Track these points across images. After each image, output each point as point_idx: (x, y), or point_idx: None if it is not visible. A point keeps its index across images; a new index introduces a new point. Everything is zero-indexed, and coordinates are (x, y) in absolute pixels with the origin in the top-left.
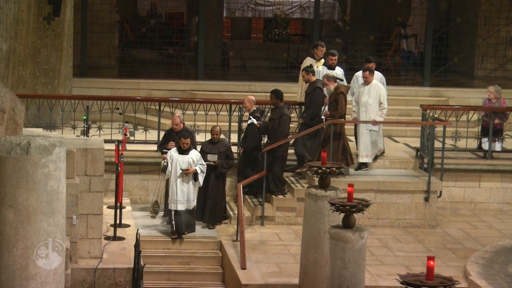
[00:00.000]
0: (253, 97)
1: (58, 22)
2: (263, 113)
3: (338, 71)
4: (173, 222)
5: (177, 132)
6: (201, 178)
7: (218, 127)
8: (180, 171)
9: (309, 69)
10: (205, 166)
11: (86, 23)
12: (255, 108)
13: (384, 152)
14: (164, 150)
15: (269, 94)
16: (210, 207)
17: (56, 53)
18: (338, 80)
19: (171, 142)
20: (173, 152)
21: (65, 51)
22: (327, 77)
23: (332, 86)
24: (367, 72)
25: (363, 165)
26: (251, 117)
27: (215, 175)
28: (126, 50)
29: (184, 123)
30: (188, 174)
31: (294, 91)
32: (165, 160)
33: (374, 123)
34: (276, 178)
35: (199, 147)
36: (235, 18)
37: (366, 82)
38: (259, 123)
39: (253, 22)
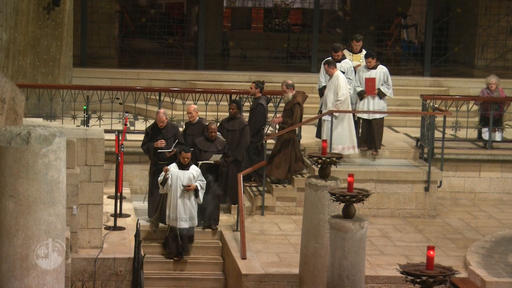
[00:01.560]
0: (195, 106)
1: (58, 12)
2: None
3: (345, 64)
4: (175, 242)
5: (161, 128)
6: (201, 195)
7: (214, 124)
8: (182, 187)
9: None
10: (205, 182)
11: (86, 13)
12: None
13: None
14: (160, 151)
15: (269, 84)
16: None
17: (56, 43)
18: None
19: (161, 140)
20: (173, 168)
21: (65, 41)
22: (286, 84)
23: (290, 94)
24: (326, 65)
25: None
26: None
27: (216, 175)
28: (126, 40)
29: (168, 119)
30: (190, 191)
31: (294, 81)
32: (168, 173)
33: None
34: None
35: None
36: (235, 8)
37: (328, 74)
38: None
39: (253, 12)
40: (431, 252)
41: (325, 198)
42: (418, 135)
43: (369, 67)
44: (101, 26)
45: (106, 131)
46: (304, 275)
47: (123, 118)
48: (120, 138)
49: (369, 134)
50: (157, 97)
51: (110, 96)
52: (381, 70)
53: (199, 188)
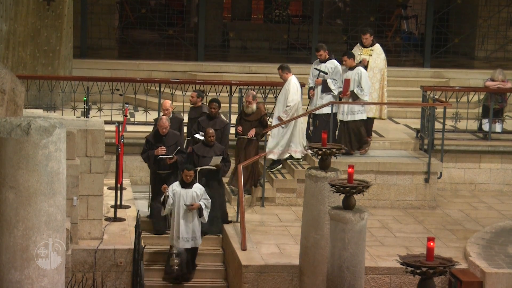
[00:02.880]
0: (169, 102)
1: (58, 3)
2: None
3: (329, 65)
4: (177, 265)
5: (163, 135)
6: (206, 214)
7: (212, 129)
8: (185, 207)
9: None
10: (209, 201)
11: (86, 4)
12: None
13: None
14: (160, 157)
15: (269, 75)
16: (217, 217)
17: (56, 34)
18: (321, 74)
19: (162, 147)
20: (175, 187)
21: (65, 32)
22: (253, 96)
23: (254, 105)
24: (281, 70)
25: (275, 162)
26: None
27: (217, 180)
28: (126, 31)
29: (170, 124)
30: (193, 210)
31: (294, 72)
32: (167, 192)
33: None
34: None
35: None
36: None
37: (281, 78)
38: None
39: (253, 3)
40: (431, 243)
41: (325, 189)
42: (418, 126)
43: (347, 67)
44: (101, 17)
45: (106, 122)
46: (304, 266)
47: (123, 109)
48: (120, 129)
49: (346, 136)
50: (157, 88)
51: (110, 87)
52: (357, 72)
53: (203, 206)
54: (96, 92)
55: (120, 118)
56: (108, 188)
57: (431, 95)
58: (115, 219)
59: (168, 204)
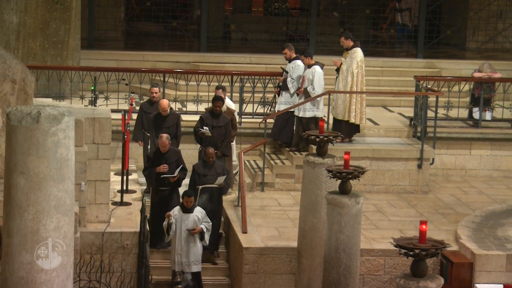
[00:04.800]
0: (167, 101)
1: None
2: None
3: (291, 64)
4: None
5: (164, 153)
6: (207, 237)
7: (212, 149)
8: (186, 231)
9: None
10: (210, 223)
11: None
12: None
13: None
14: (163, 176)
15: (269, 65)
16: (215, 235)
17: (65, 26)
18: (284, 74)
19: (164, 165)
20: (176, 212)
21: (73, 24)
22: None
23: (225, 106)
24: (220, 90)
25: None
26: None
27: (218, 198)
28: (132, 23)
29: (170, 143)
30: (195, 234)
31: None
32: (170, 219)
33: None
34: None
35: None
36: None
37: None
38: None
39: None
40: (424, 227)
41: (322, 175)
42: (411, 114)
43: (305, 65)
44: (108, 9)
45: (113, 111)
46: (302, 248)
47: (129, 98)
48: (126, 118)
49: (300, 131)
50: (162, 78)
51: (116, 77)
52: (312, 71)
53: (204, 230)
54: (103, 81)
55: (126, 106)
56: (115, 174)
57: (424, 85)
58: (122, 203)
59: (172, 230)
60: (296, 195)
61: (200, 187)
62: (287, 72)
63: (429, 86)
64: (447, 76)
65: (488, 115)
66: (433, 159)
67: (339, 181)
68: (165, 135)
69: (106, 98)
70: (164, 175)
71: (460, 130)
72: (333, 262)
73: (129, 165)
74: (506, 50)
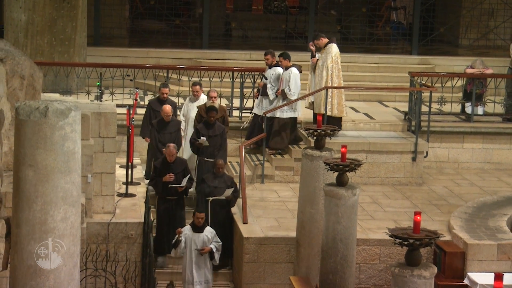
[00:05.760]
0: (169, 107)
1: None
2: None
3: (271, 71)
4: None
5: (171, 162)
6: (217, 256)
7: (221, 160)
8: (196, 251)
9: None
10: (220, 243)
11: None
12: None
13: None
14: (171, 186)
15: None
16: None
17: (72, 24)
18: (263, 79)
19: (170, 174)
20: (187, 231)
21: (80, 22)
22: (216, 92)
23: (218, 102)
24: (198, 86)
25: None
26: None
27: (227, 211)
28: (136, 21)
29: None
30: (204, 254)
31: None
32: (181, 236)
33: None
34: None
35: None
36: None
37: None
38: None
39: None
40: (418, 217)
41: (320, 167)
42: (406, 109)
43: (284, 66)
44: (113, 8)
45: (118, 106)
46: (300, 238)
47: (134, 94)
48: (131, 112)
49: (272, 133)
50: (165, 74)
51: (121, 73)
52: (289, 73)
53: (214, 250)
54: (108, 77)
55: (130, 101)
56: (120, 166)
57: (418, 80)
58: (126, 194)
59: (180, 248)
60: (295, 187)
61: (210, 199)
62: (266, 78)
63: (423, 82)
64: (440, 72)
65: (480, 110)
66: (427, 152)
67: (336, 174)
68: (172, 145)
69: (112, 94)
70: (171, 185)
71: (453, 124)
72: (330, 251)
73: (134, 158)
74: (497, 47)
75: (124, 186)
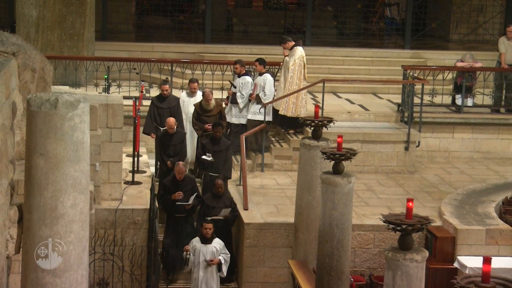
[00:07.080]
0: (173, 119)
1: None
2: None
3: (241, 80)
4: None
5: (179, 180)
6: (225, 268)
7: (221, 180)
8: (205, 262)
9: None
10: (229, 255)
11: None
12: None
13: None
14: (178, 203)
15: (268, 56)
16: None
17: (80, 20)
18: (232, 88)
19: (179, 192)
20: (195, 243)
21: (88, 17)
22: (211, 92)
23: (213, 101)
24: (196, 83)
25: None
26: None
27: (228, 230)
28: (142, 17)
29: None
30: (213, 265)
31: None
32: (188, 252)
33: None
34: None
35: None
36: None
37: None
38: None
39: None
40: (410, 204)
41: (317, 156)
42: (399, 101)
43: (258, 72)
44: (120, 4)
45: (125, 98)
46: (298, 224)
47: (140, 86)
48: (137, 104)
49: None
50: (170, 68)
51: (128, 67)
52: (264, 78)
53: (222, 261)
54: (115, 71)
55: (136, 93)
56: (127, 155)
57: (411, 74)
58: (133, 182)
59: (190, 262)
60: (293, 175)
61: (209, 218)
62: (235, 87)
63: (415, 75)
64: (432, 66)
65: (469, 102)
66: (419, 142)
67: (332, 162)
68: (181, 163)
69: (119, 86)
70: (179, 203)
71: (444, 115)
72: (327, 236)
73: (140, 147)
74: (486, 42)
75: (130, 174)
